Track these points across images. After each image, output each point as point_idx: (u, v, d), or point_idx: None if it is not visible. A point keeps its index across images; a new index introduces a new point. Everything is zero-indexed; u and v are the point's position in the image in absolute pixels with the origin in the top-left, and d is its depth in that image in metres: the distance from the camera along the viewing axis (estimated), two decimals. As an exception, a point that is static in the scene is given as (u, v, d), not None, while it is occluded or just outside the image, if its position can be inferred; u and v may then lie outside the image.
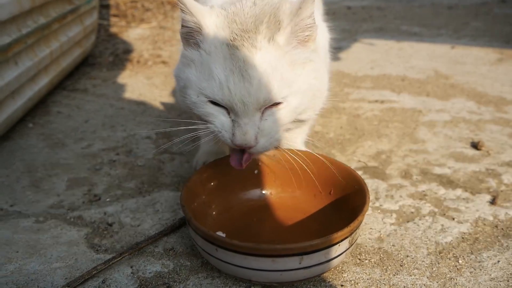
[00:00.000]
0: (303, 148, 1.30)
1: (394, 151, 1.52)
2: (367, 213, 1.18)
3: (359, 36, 2.93)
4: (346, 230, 0.87)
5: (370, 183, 1.32)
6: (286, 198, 1.17)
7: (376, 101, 1.93)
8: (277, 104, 0.94)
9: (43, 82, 1.81)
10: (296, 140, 1.34)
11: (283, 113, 0.96)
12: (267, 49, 0.92)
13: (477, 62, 2.39)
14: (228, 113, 0.95)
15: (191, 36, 0.98)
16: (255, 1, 1.00)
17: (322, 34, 1.25)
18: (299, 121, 1.04)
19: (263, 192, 1.18)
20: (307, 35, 0.97)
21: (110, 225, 1.16)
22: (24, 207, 1.25)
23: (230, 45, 0.92)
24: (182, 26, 0.99)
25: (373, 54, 2.56)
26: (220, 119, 0.96)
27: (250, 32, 0.93)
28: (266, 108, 0.94)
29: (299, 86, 0.96)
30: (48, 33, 1.82)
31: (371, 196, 1.26)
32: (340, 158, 1.48)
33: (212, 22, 0.96)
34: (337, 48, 2.63)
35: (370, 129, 1.67)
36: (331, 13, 3.45)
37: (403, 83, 2.12)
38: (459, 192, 1.28)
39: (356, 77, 2.20)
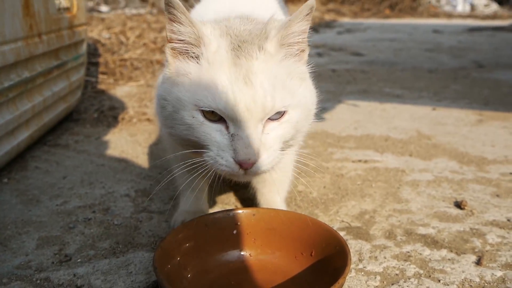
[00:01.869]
0: (284, 207, 1.27)
1: (377, 211, 1.49)
2: (350, 275, 1.14)
3: (344, 98, 2.98)
4: (326, 294, 0.83)
5: (354, 244, 1.29)
6: (266, 260, 1.12)
7: (360, 160, 1.92)
8: (278, 118, 0.94)
9: (23, 136, 1.78)
10: (275, 198, 1.31)
11: (284, 127, 0.95)
12: (263, 58, 0.94)
13: (458, 123, 2.43)
14: (227, 129, 0.92)
15: (187, 49, 0.97)
16: (248, 18, 1.05)
17: None
18: (288, 146, 1.02)
19: (242, 253, 1.13)
20: (298, 50, 0.99)
21: (79, 287, 1.09)
22: (-12, 267, 1.18)
23: (232, 54, 0.93)
24: (175, 40, 0.97)
25: (356, 115, 2.59)
26: (216, 142, 0.92)
27: (246, 42, 0.95)
28: (267, 121, 0.93)
29: (299, 100, 0.96)
30: (32, 87, 1.81)
31: (354, 258, 1.22)
32: (323, 218, 1.45)
33: (213, 33, 0.97)
34: (321, 109, 2.62)
35: (354, 189, 1.66)
36: (317, 75, 3.54)
37: (386, 143, 2.13)
38: (444, 252, 1.25)
39: (340, 137, 2.21)
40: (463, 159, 1.93)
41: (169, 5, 0.92)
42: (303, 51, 1.01)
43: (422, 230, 1.37)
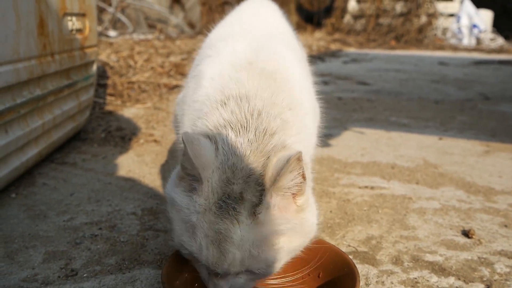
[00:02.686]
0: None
1: (384, 237, 1.48)
2: (357, 299, 1.13)
3: (350, 125, 3.00)
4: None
5: (360, 268, 1.28)
6: (274, 281, 1.11)
7: (366, 187, 1.92)
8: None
9: (32, 153, 1.80)
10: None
11: (257, 276, 0.95)
12: (248, 224, 0.89)
13: (465, 153, 2.44)
14: None
15: (190, 179, 0.94)
16: (255, 134, 0.97)
17: (313, 118, 1.22)
18: None
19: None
20: (290, 193, 0.93)
21: (85, 302, 1.09)
22: (-6, 280, 1.17)
23: (216, 214, 0.89)
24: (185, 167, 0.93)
25: (363, 142, 2.60)
26: (199, 265, 0.97)
27: (235, 200, 0.89)
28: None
29: (280, 256, 0.94)
30: (43, 105, 1.84)
31: (361, 282, 1.21)
32: (330, 242, 1.44)
33: (211, 178, 0.91)
34: (328, 135, 2.68)
35: (360, 214, 1.65)
36: (324, 102, 3.57)
37: (393, 171, 2.13)
38: (451, 280, 1.24)
39: (347, 163, 2.22)
40: (470, 188, 1.93)
41: (187, 141, 0.90)
42: (299, 187, 0.94)
43: (429, 257, 1.36)
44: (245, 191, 0.90)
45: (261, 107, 1.00)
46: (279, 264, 0.96)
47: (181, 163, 0.94)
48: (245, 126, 0.97)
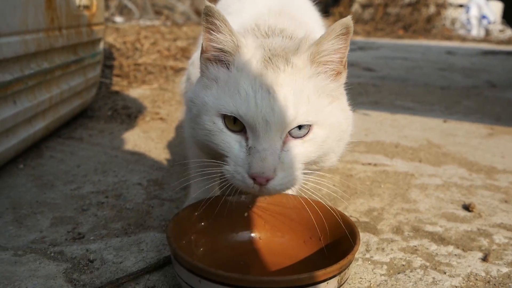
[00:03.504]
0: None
1: (386, 209, 1.50)
2: (356, 263, 1.15)
3: (355, 107, 2.99)
4: (335, 267, 0.85)
5: (362, 236, 1.29)
6: (275, 243, 1.14)
7: (369, 164, 1.94)
8: (302, 136, 0.91)
9: (40, 126, 1.82)
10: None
11: (308, 146, 0.92)
12: (290, 71, 0.92)
13: (469, 135, 2.44)
14: (246, 141, 0.90)
15: (220, 56, 0.97)
16: (291, 37, 1.05)
17: None
18: (320, 167, 1.00)
19: (252, 235, 1.15)
20: (333, 70, 0.97)
21: (92, 261, 1.12)
22: (3, 241, 1.21)
23: (262, 65, 0.92)
24: (212, 49, 0.97)
25: (367, 123, 2.61)
26: (234, 152, 0.90)
27: (277, 56, 0.94)
28: (290, 138, 0.90)
29: (326, 118, 0.93)
30: (50, 79, 1.86)
31: (362, 248, 1.23)
32: (332, 212, 1.46)
33: (251, 44, 0.97)
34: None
35: (363, 188, 1.67)
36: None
37: (396, 150, 2.14)
38: (451, 248, 1.26)
39: (350, 142, 2.23)
40: (472, 167, 1.94)
41: (208, 14, 0.93)
42: (339, 73, 0.99)
43: (429, 228, 1.38)
44: (287, 52, 0.95)
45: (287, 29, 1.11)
46: (326, 132, 0.93)
47: (206, 44, 0.97)
48: (273, 34, 1.08)
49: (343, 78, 1.01)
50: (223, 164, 0.92)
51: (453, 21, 10.30)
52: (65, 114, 2.10)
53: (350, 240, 0.99)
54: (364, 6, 10.69)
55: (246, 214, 1.15)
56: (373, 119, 2.72)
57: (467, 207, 1.53)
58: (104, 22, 2.50)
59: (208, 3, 0.93)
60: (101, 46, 2.51)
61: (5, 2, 1.45)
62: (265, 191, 0.89)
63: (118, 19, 7.45)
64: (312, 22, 1.43)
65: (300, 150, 0.91)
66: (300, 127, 0.90)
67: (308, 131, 0.91)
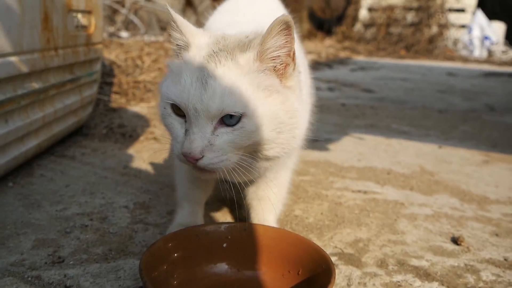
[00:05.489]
0: (276, 226, 1.28)
1: (372, 240, 1.49)
2: (336, 298, 1.14)
3: (350, 131, 3.01)
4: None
5: (344, 269, 1.29)
6: (253, 276, 1.13)
7: (360, 191, 1.93)
8: (233, 124, 0.98)
9: (32, 144, 1.83)
10: (268, 217, 1.32)
11: (237, 134, 0.99)
12: (229, 65, 1.00)
13: (463, 162, 2.43)
14: (185, 123, 1.01)
15: (177, 51, 1.10)
16: (252, 32, 1.10)
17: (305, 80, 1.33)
18: (267, 159, 1.06)
19: (230, 267, 1.14)
20: (280, 64, 1.04)
21: (68, 287, 1.11)
22: (-17, 263, 1.20)
23: (205, 58, 1.02)
24: (174, 45, 1.11)
25: (361, 148, 2.61)
26: (177, 132, 1.02)
27: (224, 51, 1.02)
28: (222, 125, 0.99)
29: (258, 110, 0.99)
30: (44, 98, 1.87)
31: (343, 282, 1.22)
32: (317, 242, 1.44)
33: (200, 42, 1.07)
34: (327, 140, 2.69)
35: (351, 217, 1.66)
36: (325, 108, 3.58)
37: (388, 176, 2.13)
38: (435, 285, 1.24)
39: (342, 167, 2.23)
40: (464, 197, 1.93)
41: (171, 18, 1.07)
42: (287, 65, 1.06)
43: (415, 262, 1.37)
44: (234, 50, 1.03)
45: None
46: (255, 123, 0.99)
47: (172, 47, 1.10)
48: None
49: (291, 70, 1.07)
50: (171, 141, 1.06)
51: (455, 42, 10.33)
52: (59, 132, 2.11)
53: (327, 274, 0.98)
54: (367, 26, 10.76)
55: (224, 245, 1.15)
56: (367, 143, 2.71)
57: (455, 240, 1.52)
58: (102, 41, 2.52)
59: (172, 11, 1.06)
60: (99, 65, 2.52)
61: (0, 24, 1.47)
62: (197, 167, 1.00)
63: (124, 34, 7.51)
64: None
65: (230, 136, 0.99)
66: (231, 116, 0.98)
67: (238, 121, 0.99)
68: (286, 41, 1.01)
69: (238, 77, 0.99)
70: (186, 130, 1.00)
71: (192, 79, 0.99)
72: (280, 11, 1.63)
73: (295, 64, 1.07)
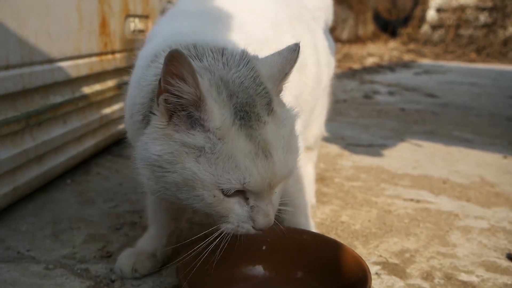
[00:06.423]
0: (314, 229, 1.27)
1: (419, 251, 1.43)
2: (375, 309, 1.11)
3: (407, 137, 2.91)
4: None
5: (386, 279, 1.25)
6: (291, 280, 1.12)
7: (412, 199, 1.86)
8: None
9: (89, 144, 1.93)
10: (300, 221, 1.31)
11: (286, 181, 0.94)
12: (271, 120, 0.87)
13: (529, 174, 2.28)
14: (245, 200, 0.89)
15: (184, 108, 0.84)
16: (227, 59, 0.92)
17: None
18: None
19: (268, 270, 1.14)
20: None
21: (113, 281, 1.18)
22: (38, 254, 1.30)
23: (241, 123, 0.84)
24: (172, 94, 0.83)
25: (418, 155, 2.52)
26: (236, 212, 0.89)
27: (249, 105, 0.86)
28: None
29: (298, 150, 0.94)
30: (102, 100, 1.97)
31: (384, 293, 1.19)
32: (361, 250, 1.42)
33: (211, 93, 0.84)
34: (381, 145, 2.62)
35: (399, 226, 1.61)
36: (383, 113, 3.49)
37: (444, 186, 2.04)
38: (483, 302, 1.18)
39: (395, 175, 2.16)
40: (526, 211, 1.81)
41: (174, 57, 0.78)
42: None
43: (464, 277, 1.30)
44: (256, 97, 0.87)
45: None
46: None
47: (165, 97, 0.83)
48: (221, 54, 0.93)
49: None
50: (226, 224, 0.91)
51: (533, 45, 9.70)
52: (116, 133, 2.20)
53: (362, 283, 0.96)
54: (434, 27, 10.35)
55: (264, 248, 1.15)
56: (424, 151, 2.61)
57: (511, 257, 1.43)
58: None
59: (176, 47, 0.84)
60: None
61: (59, 30, 1.56)
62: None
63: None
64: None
65: (280, 186, 0.93)
66: None
67: None
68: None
69: (283, 128, 0.90)
70: (252, 206, 0.88)
71: (251, 158, 0.83)
72: None
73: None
